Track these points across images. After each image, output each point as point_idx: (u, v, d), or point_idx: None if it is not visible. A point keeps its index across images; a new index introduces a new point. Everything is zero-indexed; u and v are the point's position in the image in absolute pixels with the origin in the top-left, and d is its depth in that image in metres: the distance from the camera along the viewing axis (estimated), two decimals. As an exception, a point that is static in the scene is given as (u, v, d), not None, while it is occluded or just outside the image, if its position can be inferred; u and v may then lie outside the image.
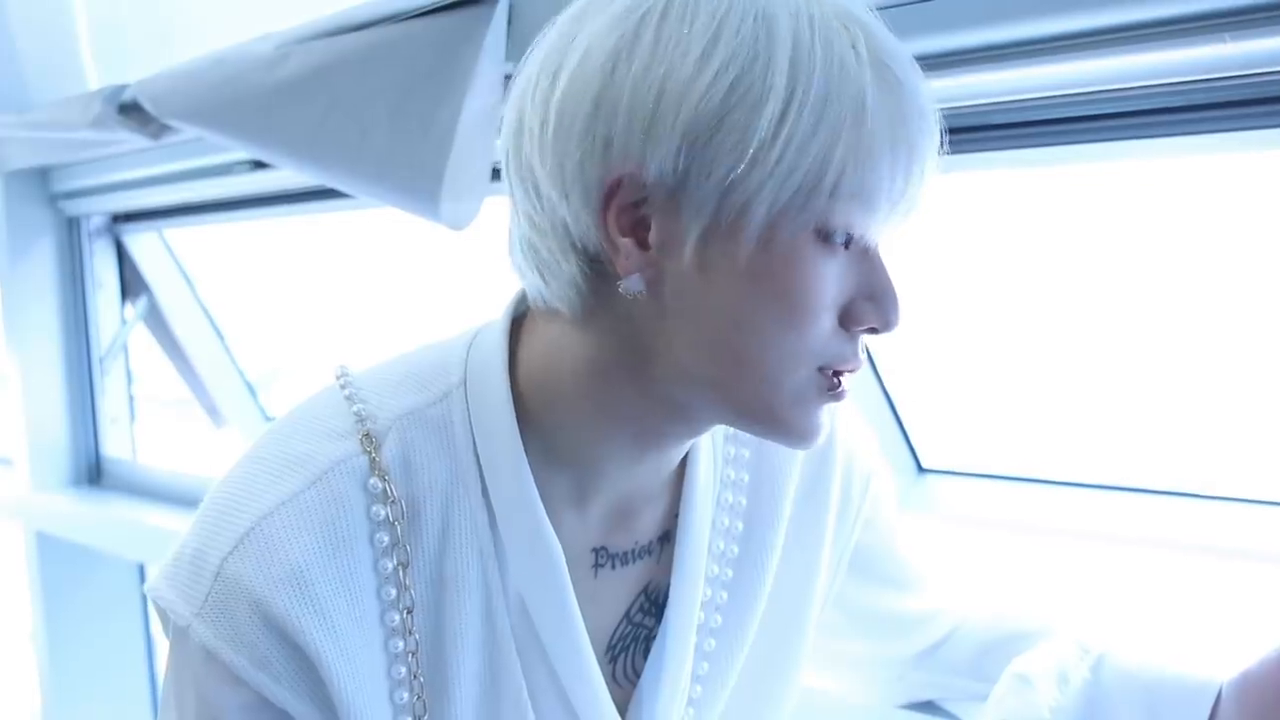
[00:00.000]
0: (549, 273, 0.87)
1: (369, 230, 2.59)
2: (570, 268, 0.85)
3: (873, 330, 0.85)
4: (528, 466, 0.90)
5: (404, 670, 0.88)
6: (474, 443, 0.91)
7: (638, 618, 0.98)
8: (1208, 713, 1.00)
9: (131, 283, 3.06)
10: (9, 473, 3.14)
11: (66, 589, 3.04)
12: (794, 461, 1.05)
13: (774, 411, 0.85)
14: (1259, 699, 0.97)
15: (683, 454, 0.96)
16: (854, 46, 0.81)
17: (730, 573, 1.01)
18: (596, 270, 0.85)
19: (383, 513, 0.88)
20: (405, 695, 0.89)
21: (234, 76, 1.86)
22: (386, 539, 0.88)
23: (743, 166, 0.79)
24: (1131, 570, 1.55)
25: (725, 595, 1.01)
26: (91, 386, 3.08)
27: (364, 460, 0.88)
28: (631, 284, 0.83)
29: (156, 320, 3.05)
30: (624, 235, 0.82)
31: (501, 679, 0.91)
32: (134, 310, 3.05)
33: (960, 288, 1.73)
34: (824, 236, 0.82)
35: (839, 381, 0.85)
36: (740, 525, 1.01)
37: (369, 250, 2.73)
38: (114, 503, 2.89)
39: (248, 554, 0.85)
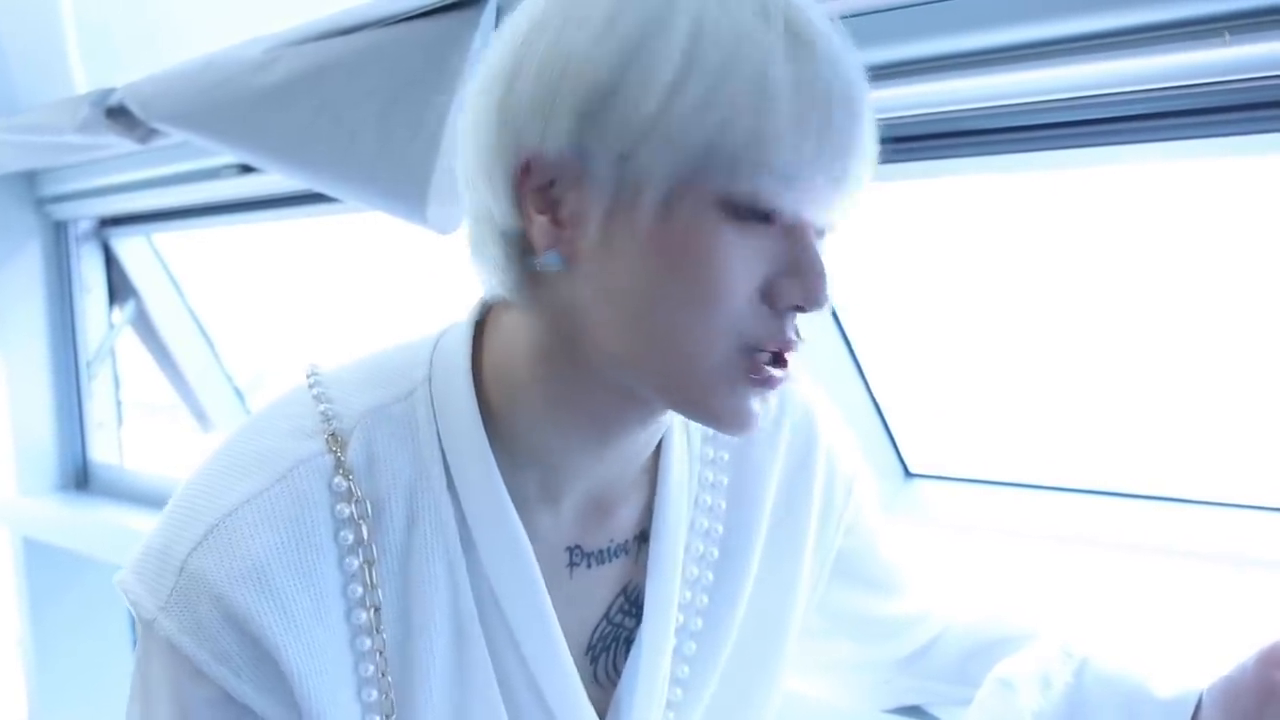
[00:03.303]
0: (488, 262, 0.88)
1: (356, 234, 2.59)
2: (498, 252, 0.86)
3: (799, 308, 0.83)
4: (494, 461, 0.91)
5: (371, 668, 0.89)
6: (439, 439, 0.91)
7: (617, 618, 0.98)
8: (1188, 719, 1.00)
9: (119, 287, 3.05)
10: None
11: (53, 594, 3.03)
12: (774, 464, 1.04)
13: (695, 392, 0.84)
14: (1238, 705, 0.97)
15: (651, 446, 0.96)
16: (766, 17, 0.80)
17: (710, 576, 1.00)
18: (523, 253, 0.86)
19: (347, 511, 0.88)
20: (373, 693, 0.89)
21: (222, 80, 1.86)
22: (351, 537, 0.88)
23: (633, 140, 0.79)
24: (1118, 575, 1.55)
25: (705, 599, 1.00)
26: (79, 391, 3.07)
27: (329, 459, 0.89)
28: (549, 260, 0.83)
29: (144, 324, 3.05)
30: (540, 214, 0.83)
31: (473, 676, 0.91)
32: (121, 314, 3.05)
33: (948, 292, 1.73)
34: (734, 212, 0.80)
35: (765, 364, 0.83)
36: (720, 528, 1.01)
37: (356, 254, 2.73)
38: (101, 508, 2.89)
39: (211, 550, 0.86)
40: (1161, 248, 1.51)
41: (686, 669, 0.99)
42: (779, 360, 0.84)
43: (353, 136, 1.70)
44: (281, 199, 2.35)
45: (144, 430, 3.21)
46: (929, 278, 1.75)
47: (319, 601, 0.87)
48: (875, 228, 1.75)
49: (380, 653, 0.89)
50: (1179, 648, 1.11)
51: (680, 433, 1.00)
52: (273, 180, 2.20)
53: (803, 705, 1.23)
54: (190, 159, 2.32)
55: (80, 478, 3.09)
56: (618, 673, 0.98)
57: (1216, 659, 1.03)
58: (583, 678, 0.95)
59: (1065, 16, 1.20)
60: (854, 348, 1.78)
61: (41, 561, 2.99)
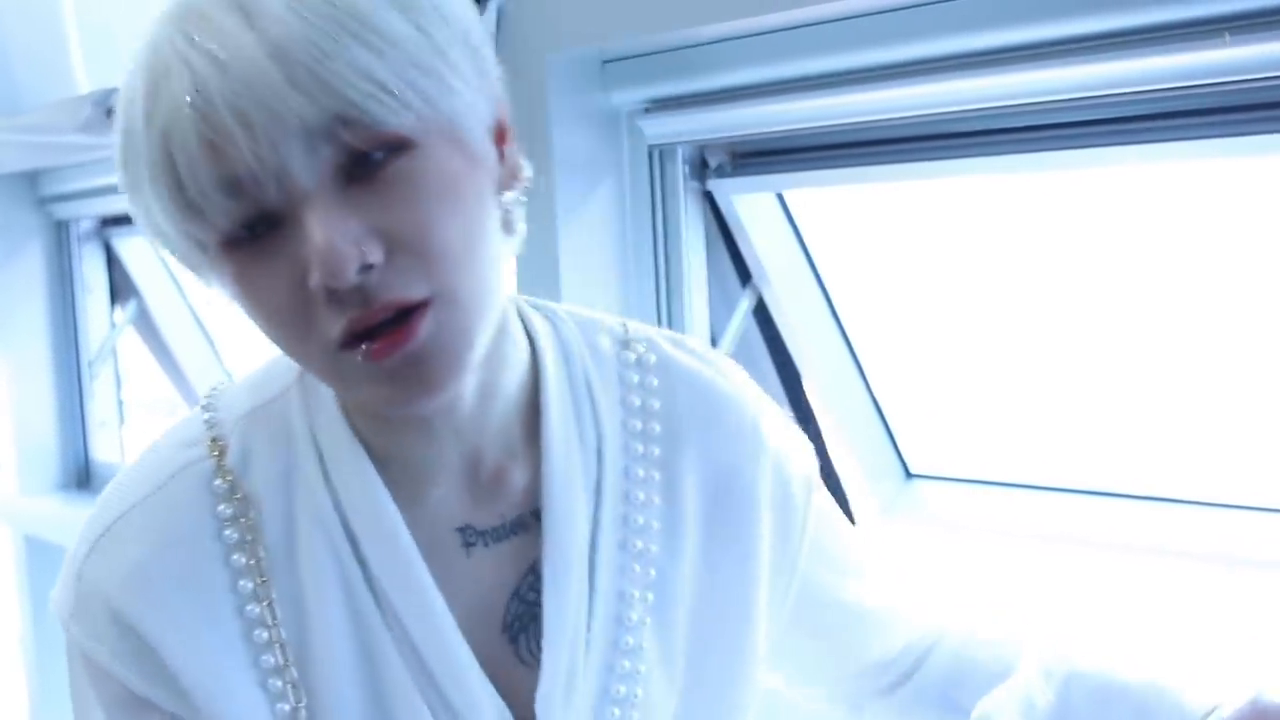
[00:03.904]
0: None
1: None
2: None
3: (331, 291, 0.80)
4: (362, 449, 0.92)
5: (272, 659, 0.90)
6: (313, 434, 0.94)
7: (530, 595, 0.96)
8: None
9: (121, 286, 3.06)
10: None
11: (54, 593, 3.02)
12: (697, 454, 1.02)
13: (337, 390, 0.89)
14: None
15: (492, 419, 0.94)
16: (156, 49, 0.82)
17: (653, 573, 0.98)
18: None
19: (229, 510, 0.91)
20: (278, 683, 0.90)
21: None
22: (235, 535, 0.91)
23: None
24: (1118, 576, 1.55)
25: (651, 596, 0.98)
26: (80, 390, 3.08)
27: (210, 463, 0.93)
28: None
29: (146, 324, 3.05)
30: None
31: (381, 662, 0.92)
32: (123, 314, 3.05)
33: (949, 293, 1.73)
34: (225, 243, 0.82)
35: (364, 345, 0.81)
36: (656, 499, 1.00)
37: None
38: (102, 507, 2.88)
39: (99, 557, 0.91)
40: (1158, 249, 1.51)
41: (628, 663, 0.97)
42: (376, 331, 0.81)
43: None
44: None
45: (146, 429, 3.21)
46: (930, 278, 1.74)
47: (202, 600, 0.90)
48: (876, 228, 1.76)
49: (280, 645, 0.91)
50: (1177, 649, 1.11)
51: (564, 402, 0.97)
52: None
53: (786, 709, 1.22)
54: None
55: (82, 477, 3.09)
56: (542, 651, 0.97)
57: (1213, 661, 1.03)
58: (503, 658, 0.95)
59: (1072, 17, 1.21)
60: (855, 348, 1.78)
61: (43, 560, 2.99)
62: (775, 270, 1.72)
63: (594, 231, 1.65)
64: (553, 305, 1.03)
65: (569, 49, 1.58)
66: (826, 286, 1.76)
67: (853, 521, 1.82)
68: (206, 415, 0.96)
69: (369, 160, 0.80)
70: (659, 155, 1.68)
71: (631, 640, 0.97)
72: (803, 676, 1.16)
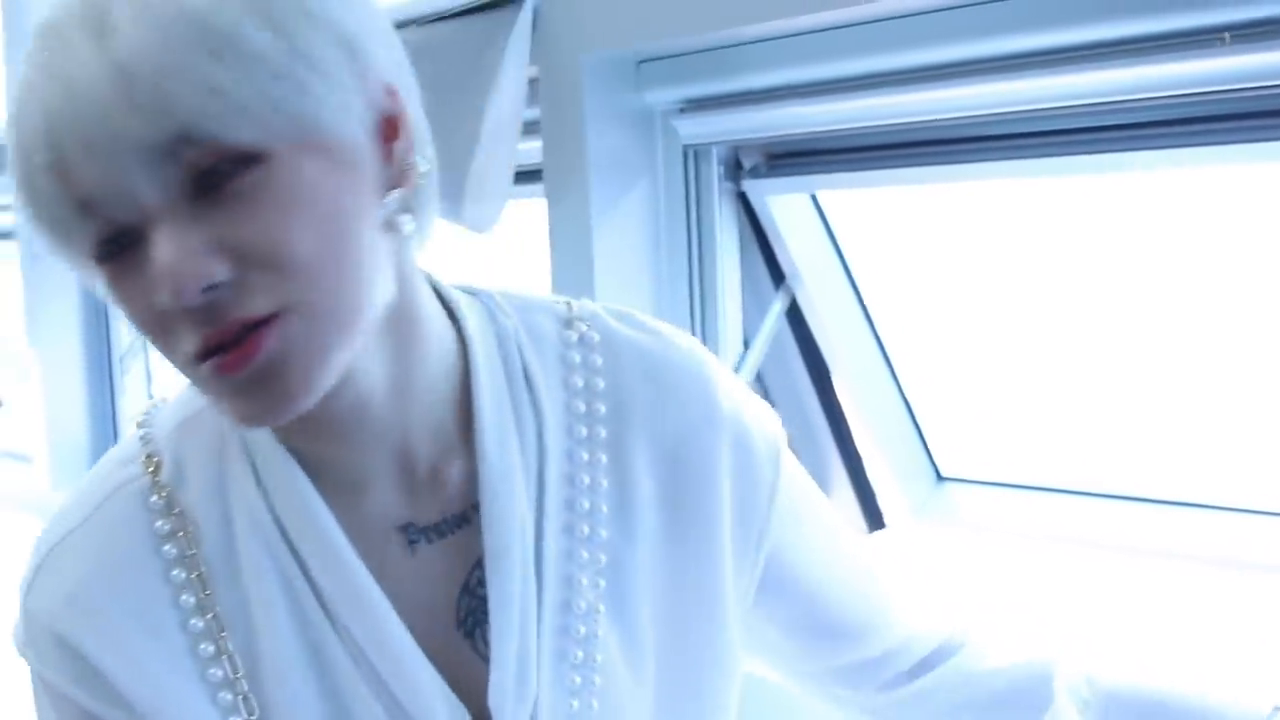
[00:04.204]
0: None
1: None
2: None
3: (184, 309, 0.80)
4: (288, 455, 0.91)
5: (220, 672, 0.90)
6: (243, 441, 0.93)
7: (480, 590, 0.94)
8: None
9: (152, 282, 3.07)
10: (29, 470, 3.15)
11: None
12: (647, 427, 1.00)
13: (211, 405, 0.87)
14: None
15: (392, 410, 0.92)
16: (23, 69, 0.80)
17: (604, 558, 0.96)
18: None
19: (166, 525, 0.91)
20: (229, 696, 0.90)
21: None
22: (174, 550, 0.91)
23: None
24: (1155, 583, 1.54)
25: (603, 582, 0.96)
26: (112, 385, 3.09)
27: (145, 480, 0.93)
28: None
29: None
30: None
31: (330, 666, 0.91)
32: (154, 310, 3.06)
33: (981, 294, 1.73)
34: (92, 258, 0.82)
35: (216, 359, 0.80)
36: (605, 482, 0.97)
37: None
38: (132, 501, 2.90)
39: (39, 585, 0.92)
40: (1195, 254, 1.50)
41: (581, 652, 0.94)
42: (226, 346, 0.80)
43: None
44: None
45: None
46: (962, 281, 1.74)
47: (145, 618, 0.90)
48: (910, 230, 1.75)
49: (228, 656, 0.90)
50: (1215, 658, 1.10)
51: (497, 390, 0.95)
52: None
53: (769, 694, 1.18)
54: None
55: (112, 472, 3.10)
56: None
57: (1253, 669, 1.02)
58: (460, 655, 0.93)
59: (1108, 20, 1.21)
60: (887, 349, 1.77)
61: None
62: (809, 271, 1.72)
63: (628, 232, 1.66)
64: (489, 289, 1.01)
65: (604, 49, 1.58)
66: (859, 288, 1.76)
67: (882, 524, 1.83)
68: (141, 431, 0.96)
69: (218, 175, 0.78)
70: (693, 156, 1.68)
71: (584, 629, 0.95)
72: (776, 661, 1.12)
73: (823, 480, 1.84)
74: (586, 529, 0.96)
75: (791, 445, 1.06)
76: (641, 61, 1.62)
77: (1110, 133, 1.33)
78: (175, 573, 0.91)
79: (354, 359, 0.85)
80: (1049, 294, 1.67)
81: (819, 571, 1.07)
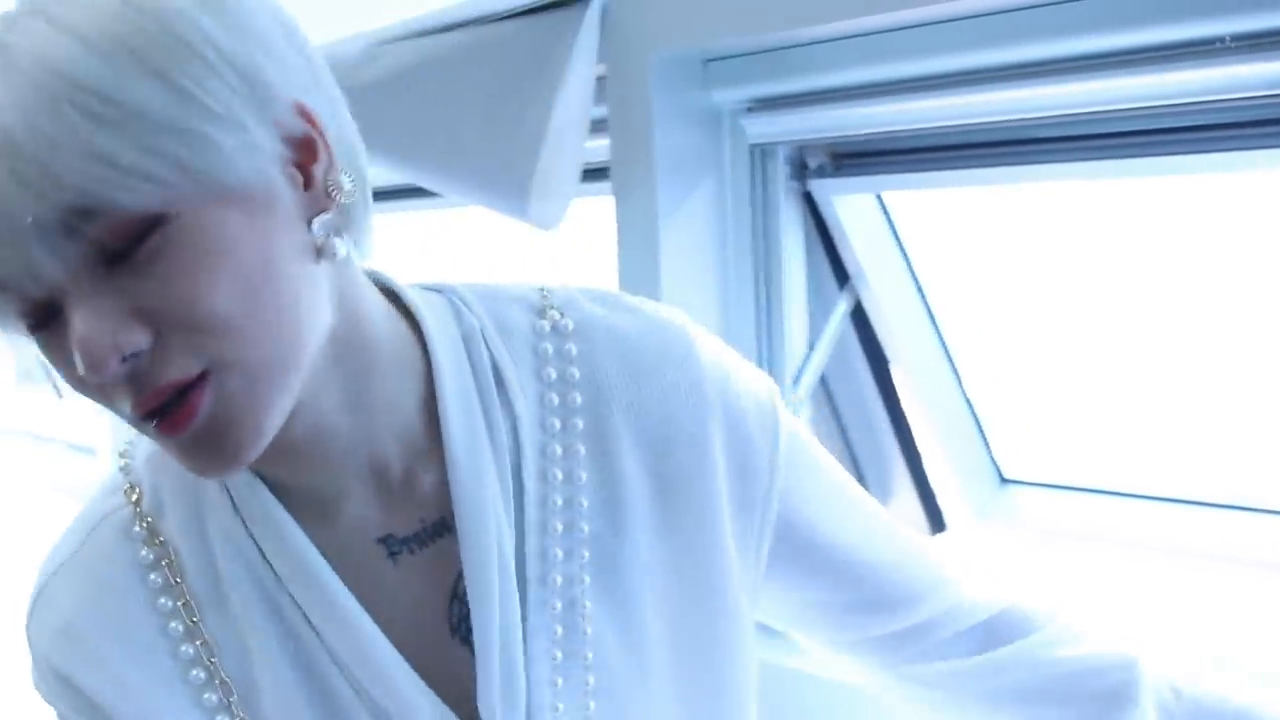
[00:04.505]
0: None
1: (453, 229, 2.61)
2: None
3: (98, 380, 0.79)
4: (255, 478, 0.91)
5: (214, 697, 0.90)
6: None
7: (467, 596, 0.92)
8: None
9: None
10: (93, 463, 3.18)
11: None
12: (645, 402, 0.97)
13: None
14: None
15: (352, 427, 0.90)
16: None
17: (587, 554, 0.94)
18: None
19: (150, 555, 0.92)
20: None
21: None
22: (160, 579, 0.91)
23: None
24: (1219, 588, 1.53)
25: (588, 578, 0.94)
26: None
27: (128, 510, 0.93)
28: None
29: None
30: None
31: (322, 682, 0.91)
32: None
33: (1046, 296, 1.72)
34: (28, 329, 0.78)
35: (155, 422, 0.79)
36: (584, 475, 0.95)
37: (452, 249, 2.75)
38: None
39: (35, 618, 0.93)
40: (1263, 257, 1.49)
41: (559, 654, 0.93)
42: (165, 408, 0.78)
43: (454, 132, 1.73)
44: (379, 193, 2.37)
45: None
46: (1027, 283, 1.73)
47: (134, 647, 0.91)
48: (975, 231, 1.75)
49: (221, 681, 0.91)
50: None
51: (464, 392, 0.93)
52: (371, 175, 2.22)
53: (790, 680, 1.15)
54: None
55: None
56: None
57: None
58: (458, 661, 0.92)
59: (1177, 21, 1.20)
60: (951, 351, 1.77)
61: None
62: (873, 272, 1.72)
63: (694, 230, 1.66)
64: (455, 284, 0.98)
65: (672, 48, 1.59)
66: (924, 289, 1.75)
67: (944, 527, 1.83)
68: (122, 461, 0.96)
69: (124, 242, 0.74)
70: (760, 155, 1.68)
71: (565, 628, 0.93)
72: (813, 633, 1.09)
73: (885, 481, 1.84)
74: (564, 525, 0.94)
75: (854, 446, 1.05)
76: (709, 60, 1.62)
77: (1178, 135, 1.32)
78: (162, 600, 0.91)
79: (302, 390, 0.83)
80: (1114, 296, 1.66)
81: (838, 534, 1.03)
